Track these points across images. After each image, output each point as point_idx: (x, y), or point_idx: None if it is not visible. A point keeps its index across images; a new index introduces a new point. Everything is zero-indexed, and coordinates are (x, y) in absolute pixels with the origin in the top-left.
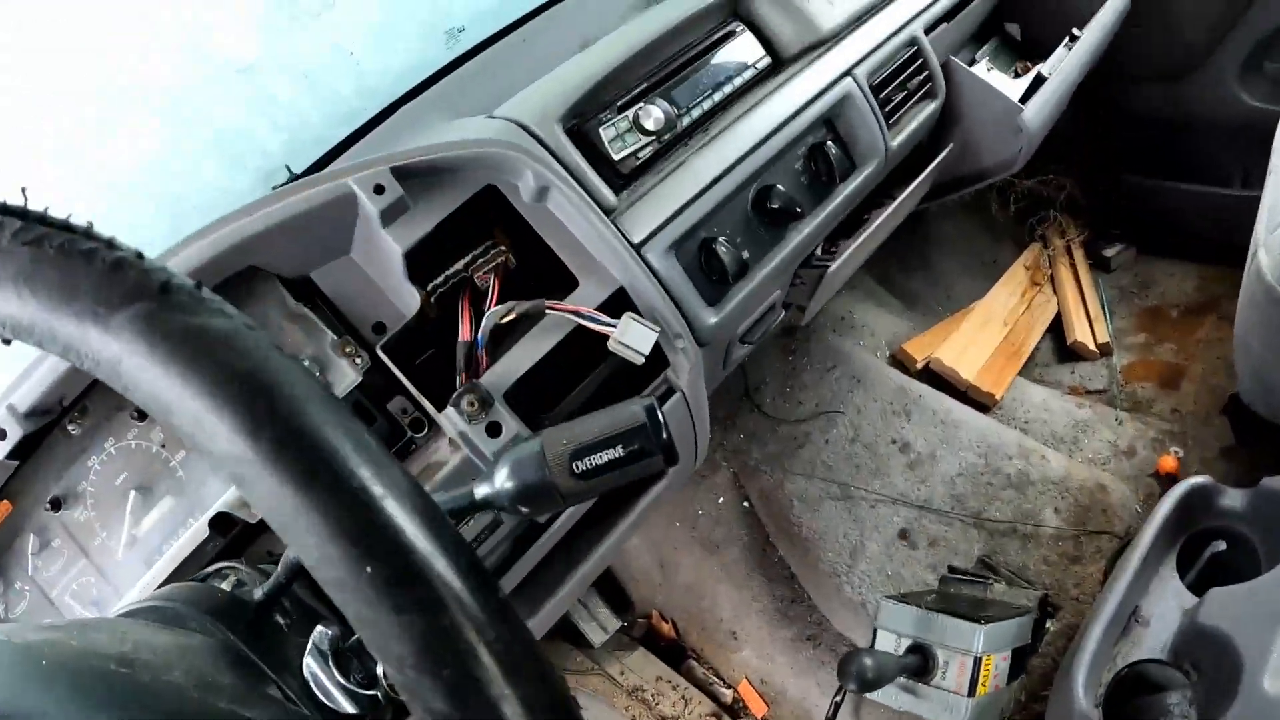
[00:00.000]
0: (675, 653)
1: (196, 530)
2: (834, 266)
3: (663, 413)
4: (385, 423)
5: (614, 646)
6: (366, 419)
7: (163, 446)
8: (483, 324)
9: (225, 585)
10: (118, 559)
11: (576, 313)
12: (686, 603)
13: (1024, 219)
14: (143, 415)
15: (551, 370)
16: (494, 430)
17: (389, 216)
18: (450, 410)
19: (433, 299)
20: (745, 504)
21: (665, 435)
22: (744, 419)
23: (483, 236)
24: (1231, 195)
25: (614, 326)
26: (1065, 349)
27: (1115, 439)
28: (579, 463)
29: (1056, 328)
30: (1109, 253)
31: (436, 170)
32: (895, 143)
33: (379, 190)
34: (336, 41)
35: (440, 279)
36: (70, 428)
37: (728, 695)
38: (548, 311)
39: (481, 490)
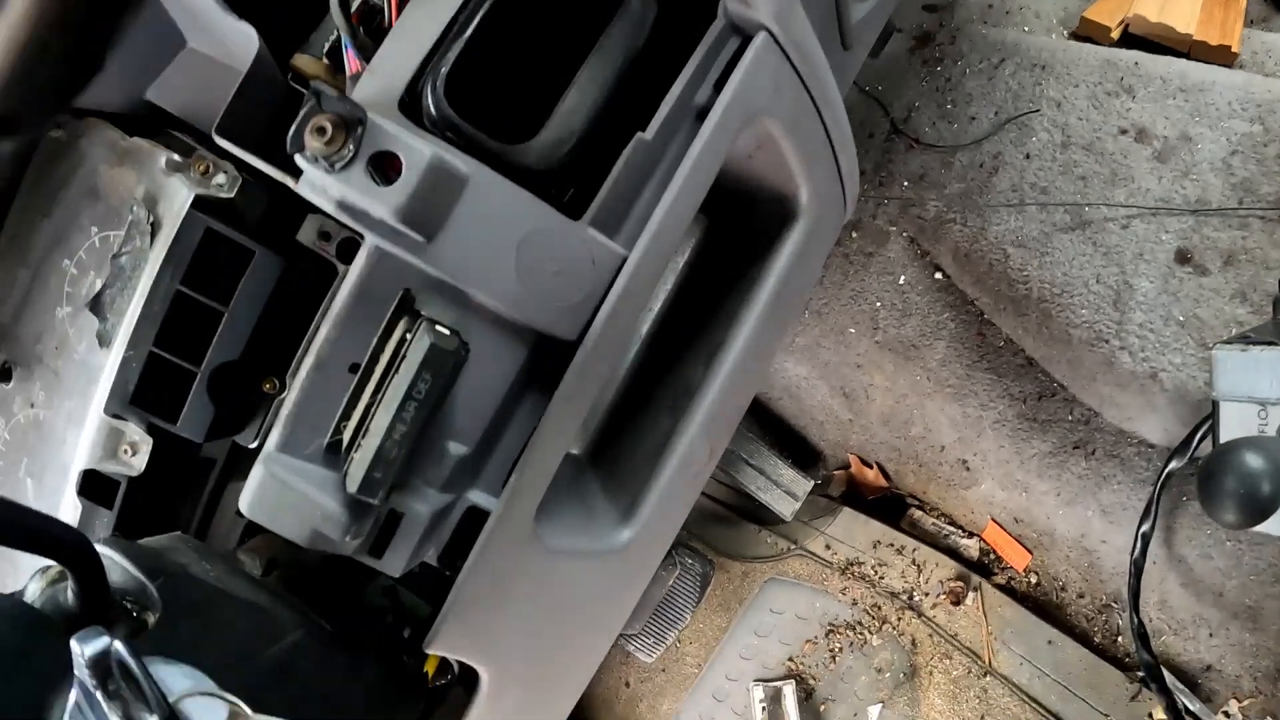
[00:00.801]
0: (890, 505)
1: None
2: None
3: None
4: (278, 257)
5: (810, 514)
6: (235, 255)
7: (32, 406)
8: None
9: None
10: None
11: None
12: (890, 436)
13: None
14: (2, 375)
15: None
16: (381, 165)
17: None
18: (297, 159)
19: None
20: (938, 275)
21: None
22: (901, 161)
23: None
24: None
25: None
26: None
27: None
28: None
29: None
30: None
31: None
32: None
33: None
34: None
35: None
36: None
37: (972, 548)
38: None
39: None
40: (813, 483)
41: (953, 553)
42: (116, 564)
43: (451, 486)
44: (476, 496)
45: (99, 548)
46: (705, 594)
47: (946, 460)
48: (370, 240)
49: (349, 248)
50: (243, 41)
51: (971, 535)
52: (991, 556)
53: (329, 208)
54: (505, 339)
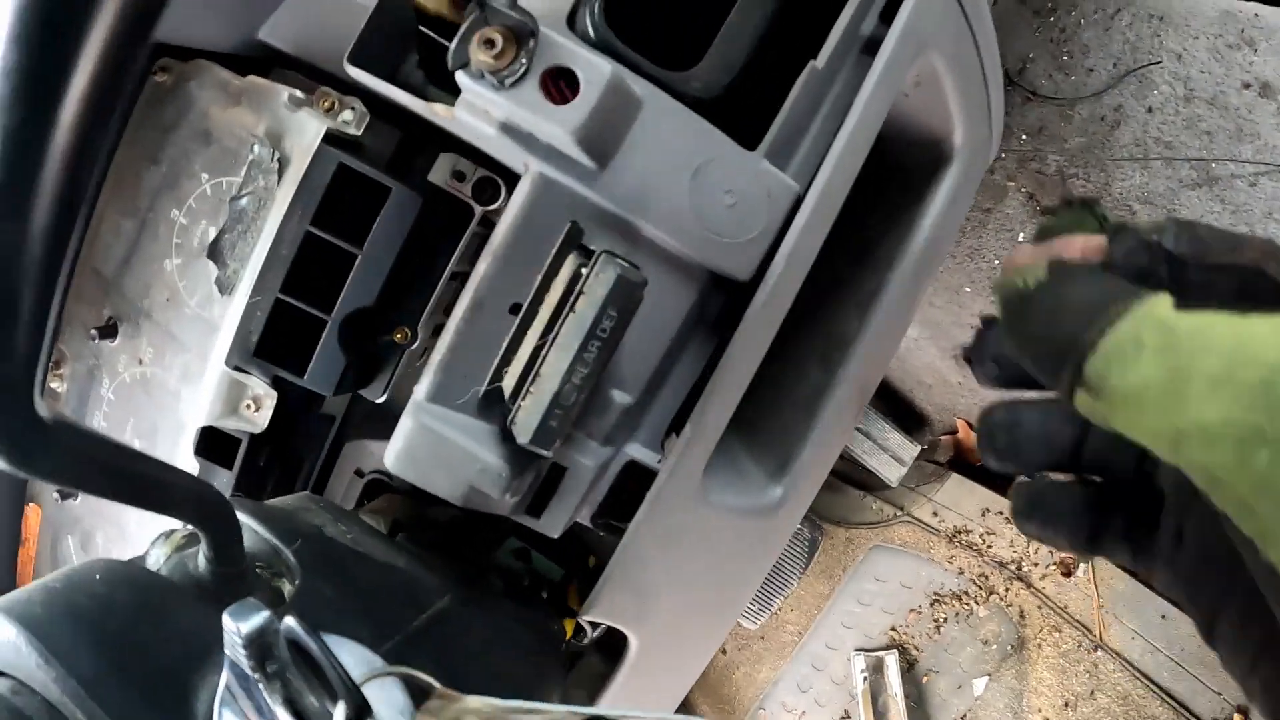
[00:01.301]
0: (998, 472)
1: (183, 462)
2: None
3: None
4: (417, 194)
5: (917, 480)
6: (370, 193)
7: (140, 364)
8: None
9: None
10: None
11: None
12: None
13: None
14: (106, 332)
15: None
16: (556, 83)
17: None
18: (459, 76)
19: None
20: None
21: None
22: (1019, 114)
23: None
24: None
25: None
26: None
27: None
28: None
29: None
30: None
31: None
32: None
33: None
34: None
35: None
36: (53, 385)
37: None
38: None
39: None
40: (920, 448)
41: None
42: (247, 527)
43: (612, 439)
44: (635, 450)
45: None
46: (812, 561)
47: None
48: (535, 168)
49: (485, 187)
50: None
51: None
52: None
53: (489, 133)
54: (675, 278)
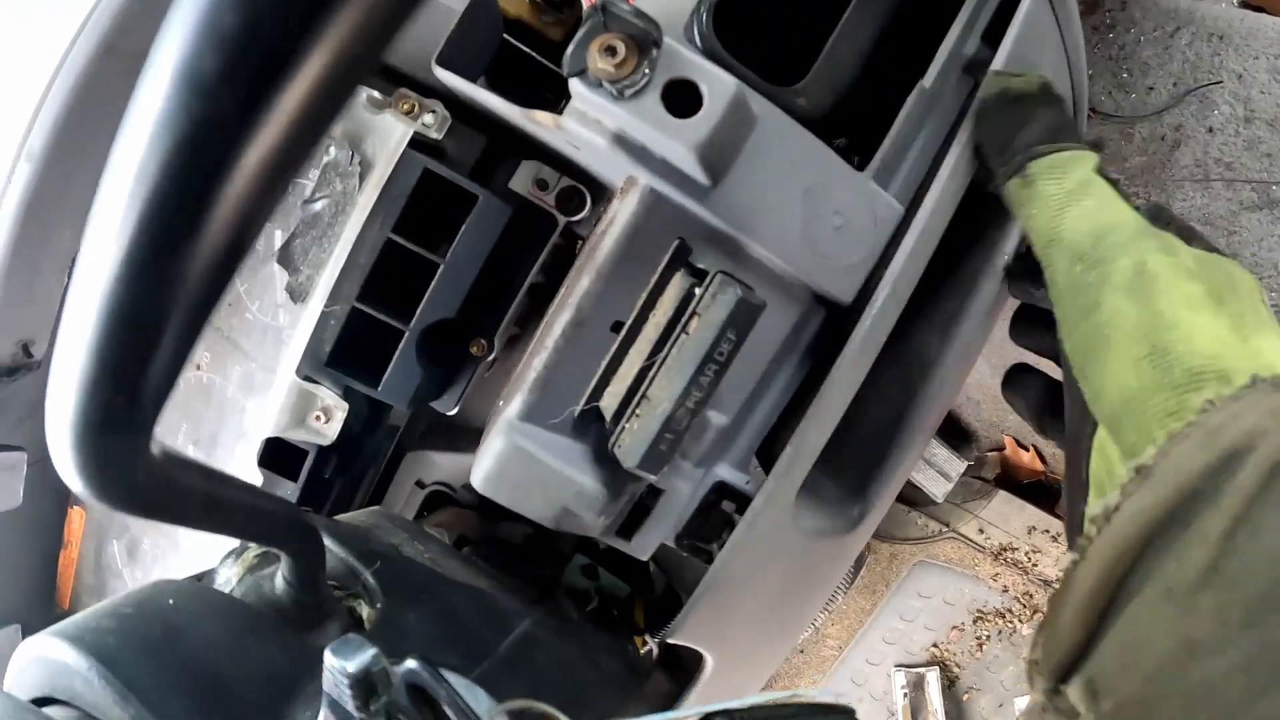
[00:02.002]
0: (1047, 489)
1: (243, 473)
2: None
3: None
4: (506, 204)
5: (963, 497)
6: (455, 200)
7: (197, 369)
8: None
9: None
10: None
11: None
12: None
13: None
14: None
15: None
16: (677, 96)
17: None
18: (575, 83)
19: None
20: None
21: None
22: None
23: None
24: None
25: None
26: None
27: None
28: None
29: None
30: None
31: None
32: None
33: None
34: None
35: None
36: None
37: None
38: None
39: None
40: (966, 464)
41: None
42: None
43: (705, 461)
44: (724, 471)
45: None
46: (858, 575)
47: None
48: (645, 182)
49: (570, 197)
50: None
51: None
52: None
53: (599, 143)
54: (777, 299)
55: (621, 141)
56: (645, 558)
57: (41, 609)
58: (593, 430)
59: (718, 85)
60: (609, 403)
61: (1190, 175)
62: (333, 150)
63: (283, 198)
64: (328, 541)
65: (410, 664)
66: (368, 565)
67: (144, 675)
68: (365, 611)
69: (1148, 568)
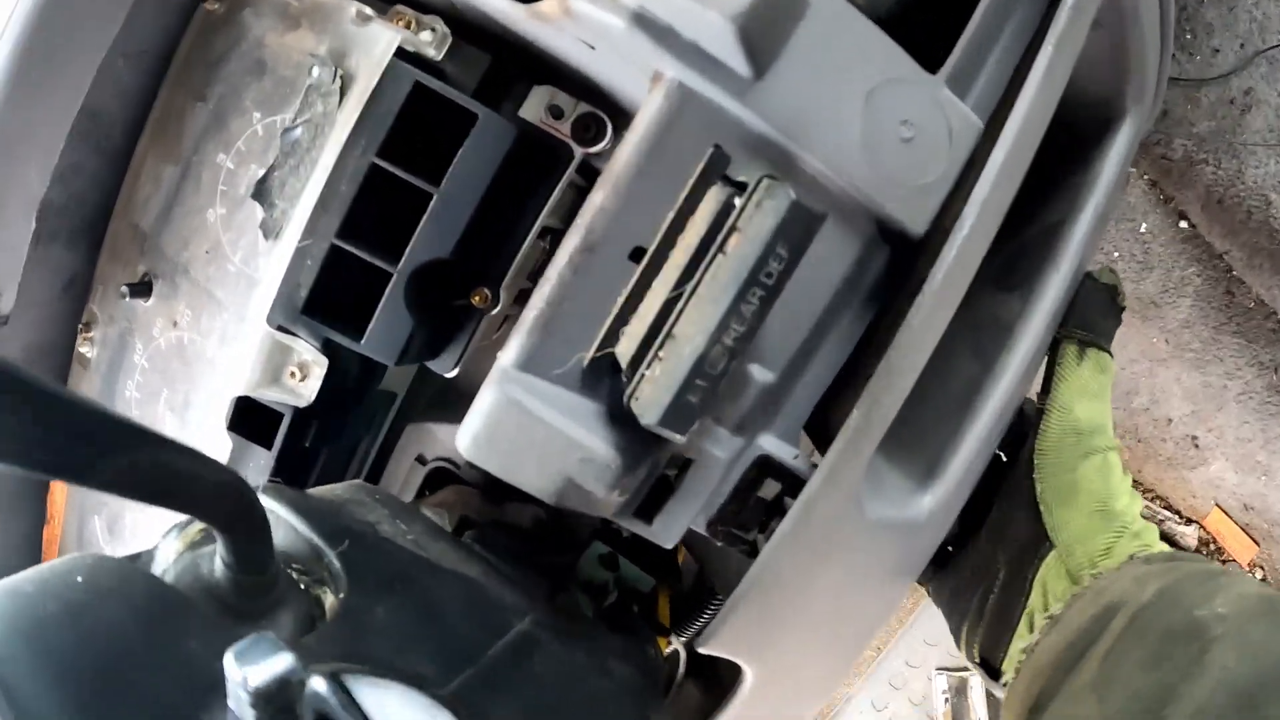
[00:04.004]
0: None
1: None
2: None
3: None
4: (510, 124)
5: None
6: (451, 120)
7: (174, 326)
8: None
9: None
10: None
11: None
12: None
13: None
14: (139, 290)
15: None
16: None
17: None
18: None
19: None
20: (1183, 224)
21: None
22: None
23: None
24: None
25: None
26: None
27: None
28: None
29: None
30: None
31: None
32: None
33: None
34: None
35: None
36: (83, 350)
37: (1190, 536)
38: None
39: None
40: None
41: (1167, 539)
42: (282, 520)
43: (745, 427)
44: (769, 444)
45: (260, 498)
46: None
47: (1173, 435)
48: (672, 75)
49: (588, 125)
50: None
51: (1190, 522)
52: (1212, 546)
53: (617, 24)
54: (835, 228)
55: (642, 21)
56: (670, 545)
57: None
58: (606, 383)
59: None
60: (626, 346)
61: (1264, 140)
62: (315, 70)
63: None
64: (288, 515)
65: (314, 687)
66: (334, 545)
67: (20, 676)
68: (330, 600)
69: (1057, 681)
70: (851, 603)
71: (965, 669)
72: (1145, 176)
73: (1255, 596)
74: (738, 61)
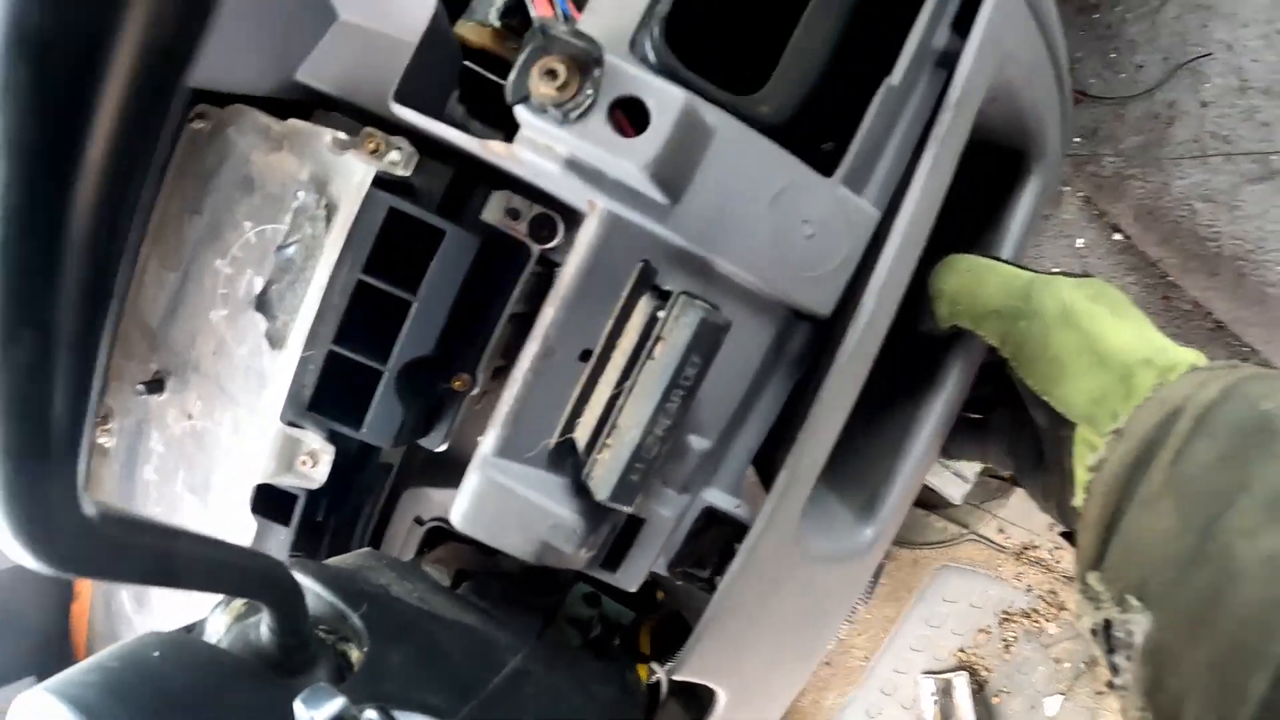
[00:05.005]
0: None
1: (238, 522)
2: None
3: None
4: (474, 236)
5: (981, 497)
6: (423, 237)
7: (189, 418)
8: None
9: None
10: None
11: None
12: None
13: None
14: (153, 386)
15: None
16: (625, 114)
17: None
18: (519, 111)
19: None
20: (1117, 236)
21: None
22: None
23: None
24: None
25: None
26: None
27: None
28: None
29: None
30: None
31: None
32: None
33: None
34: None
35: None
36: (101, 440)
37: None
38: None
39: None
40: (982, 464)
41: None
42: (310, 590)
43: (690, 486)
44: (714, 496)
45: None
46: (877, 584)
47: None
48: (604, 205)
49: (542, 225)
50: (417, 2)
51: None
52: None
53: (552, 169)
54: (752, 316)
55: (574, 166)
56: (633, 589)
57: (57, 661)
58: (570, 460)
59: (665, 99)
60: (581, 433)
61: (1188, 151)
62: (301, 195)
63: (139, 214)
64: (315, 586)
65: (369, 714)
66: (355, 607)
67: None
68: (355, 654)
69: (1129, 492)
70: (806, 622)
71: (949, 672)
72: (1079, 194)
73: None
74: (654, 193)
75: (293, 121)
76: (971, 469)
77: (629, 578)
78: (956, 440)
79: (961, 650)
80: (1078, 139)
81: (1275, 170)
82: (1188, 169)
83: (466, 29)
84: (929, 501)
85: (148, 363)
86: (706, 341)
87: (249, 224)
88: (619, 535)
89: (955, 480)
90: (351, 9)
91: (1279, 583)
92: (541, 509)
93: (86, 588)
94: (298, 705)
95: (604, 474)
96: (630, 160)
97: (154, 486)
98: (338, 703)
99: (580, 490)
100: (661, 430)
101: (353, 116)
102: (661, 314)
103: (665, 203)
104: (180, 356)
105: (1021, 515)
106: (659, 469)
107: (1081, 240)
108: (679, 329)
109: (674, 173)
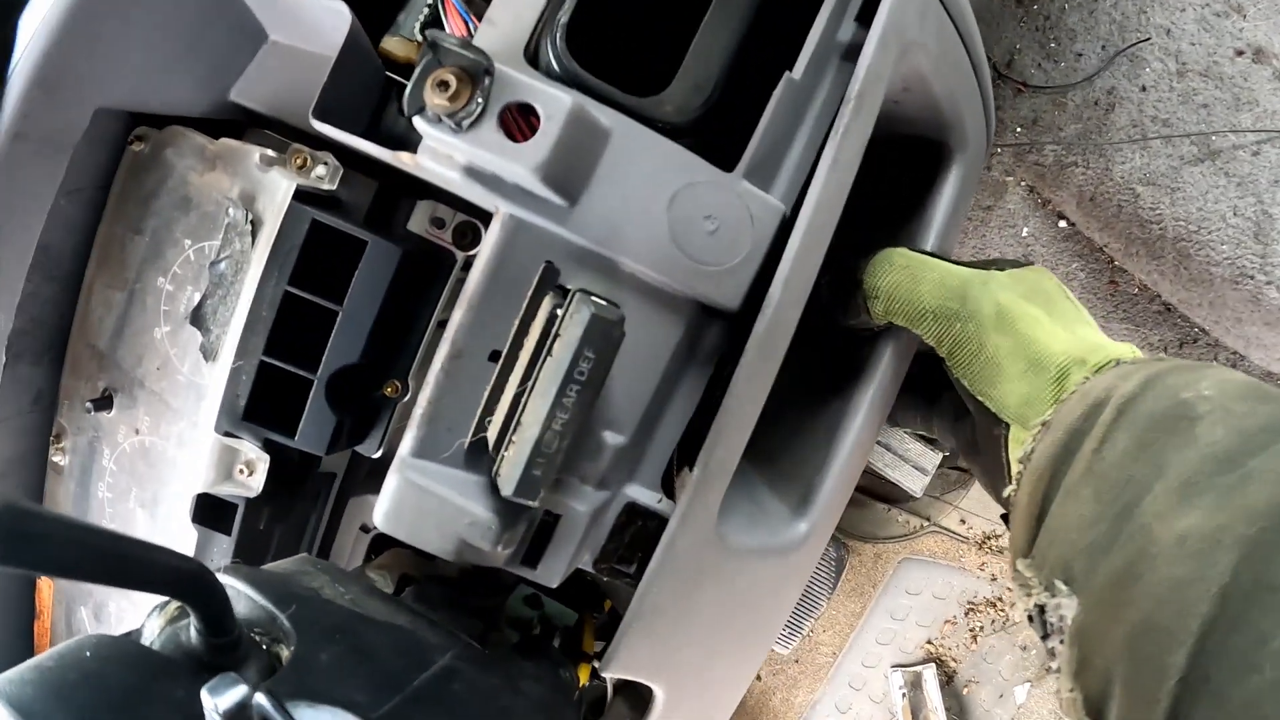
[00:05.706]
0: None
1: (184, 530)
2: None
3: None
4: (395, 245)
5: (941, 489)
6: (346, 248)
7: (137, 433)
8: None
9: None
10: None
11: None
12: None
13: None
14: (101, 404)
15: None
16: (518, 120)
17: None
18: (417, 122)
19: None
20: (1061, 224)
21: None
22: (1011, 107)
23: None
24: None
25: None
26: None
27: None
28: None
29: None
30: None
31: None
32: None
33: None
34: None
35: None
36: (56, 459)
37: None
38: None
39: None
40: (941, 455)
41: None
42: (242, 594)
43: (608, 482)
44: (635, 491)
45: (222, 577)
46: (840, 580)
47: None
48: (504, 210)
49: (465, 232)
50: (333, 20)
51: None
52: None
53: (455, 177)
54: (660, 312)
55: (473, 173)
56: (554, 584)
57: None
58: (485, 459)
59: (552, 104)
60: (492, 432)
61: (1128, 136)
62: (230, 211)
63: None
64: (246, 589)
65: (258, 699)
66: (284, 609)
67: (49, 717)
68: (285, 654)
69: (1055, 482)
70: (742, 616)
71: (918, 664)
72: (1022, 183)
73: (1239, 380)
74: (549, 195)
75: (225, 141)
76: (931, 461)
77: (549, 574)
78: (903, 408)
79: (929, 642)
80: (1019, 129)
81: (1215, 151)
82: (1128, 154)
83: (393, 44)
84: (889, 495)
85: (96, 381)
86: (598, 337)
87: (188, 242)
88: (536, 532)
89: (914, 473)
90: (280, 29)
91: (1192, 561)
92: (457, 507)
93: (47, 606)
94: (204, 693)
95: (509, 470)
96: (520, 164)
97: (108, 503)
98: (239, 690)
99: (494, 488)
100: (560, 425)
101: (284, 134)
102: (558, 312)
103: (563, 204)
104: (128, 374)
105: (982, 505)
106: (571, 464)
107: (1027, 229)
108: (571, 325)
109: (568, 175)
